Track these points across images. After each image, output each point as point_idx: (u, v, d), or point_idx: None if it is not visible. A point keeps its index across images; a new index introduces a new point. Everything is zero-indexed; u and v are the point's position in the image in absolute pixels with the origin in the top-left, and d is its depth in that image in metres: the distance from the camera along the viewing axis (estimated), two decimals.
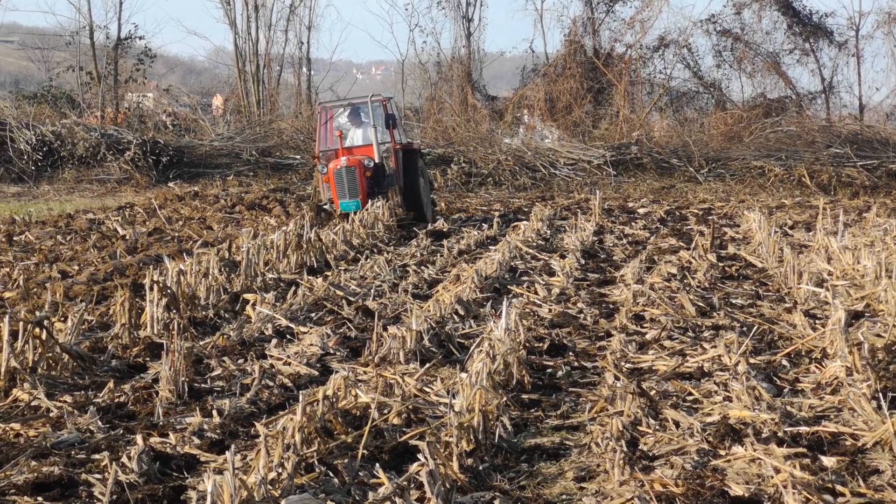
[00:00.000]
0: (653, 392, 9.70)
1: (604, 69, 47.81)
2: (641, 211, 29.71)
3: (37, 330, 10.90)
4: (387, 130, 25.89)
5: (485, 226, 25.02)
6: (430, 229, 24.32)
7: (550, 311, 14.39)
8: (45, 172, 41.06)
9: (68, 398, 10.11)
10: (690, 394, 9.94)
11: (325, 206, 25.38)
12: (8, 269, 17.90)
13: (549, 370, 11.36)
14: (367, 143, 26.01)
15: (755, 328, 12.62)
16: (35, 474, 7.82)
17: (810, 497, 7.03)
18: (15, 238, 22.91)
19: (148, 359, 11.87)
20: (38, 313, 12.13)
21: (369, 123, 25.91)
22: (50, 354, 11.04)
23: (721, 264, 18.17)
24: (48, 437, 8.83)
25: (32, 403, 9.93)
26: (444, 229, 24.61)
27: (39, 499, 7.44)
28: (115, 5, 57.01)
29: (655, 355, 11.61)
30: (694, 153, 40.49)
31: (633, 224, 26.22)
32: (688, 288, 15.49)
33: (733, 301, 15.10)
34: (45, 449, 8.51)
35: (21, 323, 10.92)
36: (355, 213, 23.53)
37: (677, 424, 8.81)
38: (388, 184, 25.43)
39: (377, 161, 25.33)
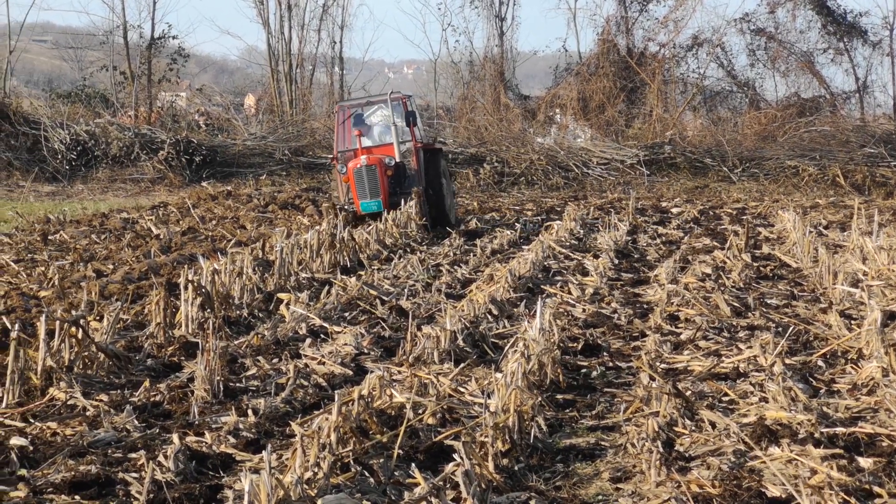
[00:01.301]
0: (688, 392, 9.67)
1: (637, 68, 47.67)
2: (675, 210, 29.63)
3: (73, 329, 10.94)
4: (407, 129, 25.24)
5: (507, 231, 24.76)
6: (463, 229, 24.30)
7: (584, 310, 14.36)
8: (79, 172, 41.19)
9: (104, 397, 10.15)
10: (726, 394, 9.91)
11: (344, 207, 24.49)
12: (43, 269, 17.97)
13: (583, 370, 11.35)
14: (378, 144, 25.60)
15: (791, 328, 12.56)
16: (72, 473, 7.85)
17: (847, 498, 7.00)
18: (50, 237, 23.00)
19: (183, 358, 11.90)
20: (73, 312, 12.17)
21: (385, 124, 25.55)
22: (86, 353, 11.08)
23: (756, 264, 18.10)
24: (85, 435, 8.86)
25: (69, 402, 9.96)
26: (476, 228, 24.63)
27: (77, 497, 7.47)
28: (148, 5, 57.00)
29: (691, 356, 11.57)
30: (728, 153, 40.32)
31: (666, 224, 26.15)
32: (722, 288, 15.44)
33: (768, 301, 15.04)
34: (81, 448, 8.54)
35: (57, 322, 10.96)
36: (377, 215, 23.45)
37: (713, 425, 8.77)
38: (409, 185, 24.80)
39: (398, 160, 24.85)
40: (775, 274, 17.60)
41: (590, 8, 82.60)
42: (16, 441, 8.68)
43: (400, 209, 23.31)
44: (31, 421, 9.47)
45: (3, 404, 9.94)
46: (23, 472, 8.01)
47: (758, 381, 10.15)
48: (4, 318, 12.48)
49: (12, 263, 18.80)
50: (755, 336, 12.13)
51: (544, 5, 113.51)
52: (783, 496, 7.25)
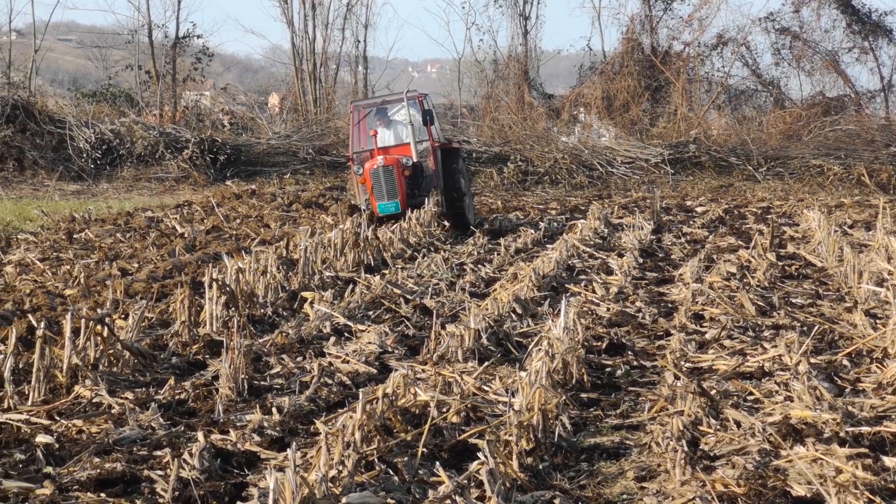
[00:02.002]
0: (713, 392, 9.65)
1: (661, 67, 47.60)
2: (700, 209, 29.58)
3: (98, 327, 10.98)
4: (424, 128, 24.59)
5: (531, 230, 24.69)
6: (487, 228, 24.29)
7: (609, 309, 14.35)
8: (104, 170, 41.32)
9: (130, 395, 10.17)
10: (751, 393, 9.88)
11: (361, 209, 23.92)
12: (69, 267, 18.04)
13: (608, 369, 11.35)
14: (399, 142, 24.95)
15: (816, 328, 12.53)
16: (98, 470, 7.88)
17: (872, 497, 6.98)
18: (75, 236, 23.08)
19: (207, 356, 11.92)
20: (99, 311, 12.22)
21: (402, 122, 24.93)
22: (111, 351, 11.12)
23: (780, 263, 18.06)
24: (110, 433, 8.89)
25: (94, 400, 10.00)
26: (500, 227, 24.63)
27: (102, 495, 7.49)
28: (173, 4, 57.19)
29: (715, 355, 11.55)
30: (752, 152, 40.24)
31: (691, 223, 26.11)
32: (747, 287, 15.40)
33: (793, 300, 15.00)
34: (107, 445, 8.57)
35: (83, 320, 10.99)
36: (395, 217, 23.11)
37: (738, 424, 8.75)
38: (427, 186, 24.30)
39: (416, 160, 24.22)
40: (800, 273, 17.55)
41: (614, 7, 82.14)
42: (42, 438, 8.72)
43: (423, 208, 23.12)
44: (57, 419, 9.51)
45: (30, 402, 9.98)
46: (49, 469, 8.05)
47: (783, 381, 10.13)
48: (30, 317, 12.53)
49: (38, 262, 18.88)
50: (780, 335, 12.10)
51: (569, 4, 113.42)
52: (808, 495, 7.23)
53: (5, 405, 9.82)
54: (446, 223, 23.65)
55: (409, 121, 24.49)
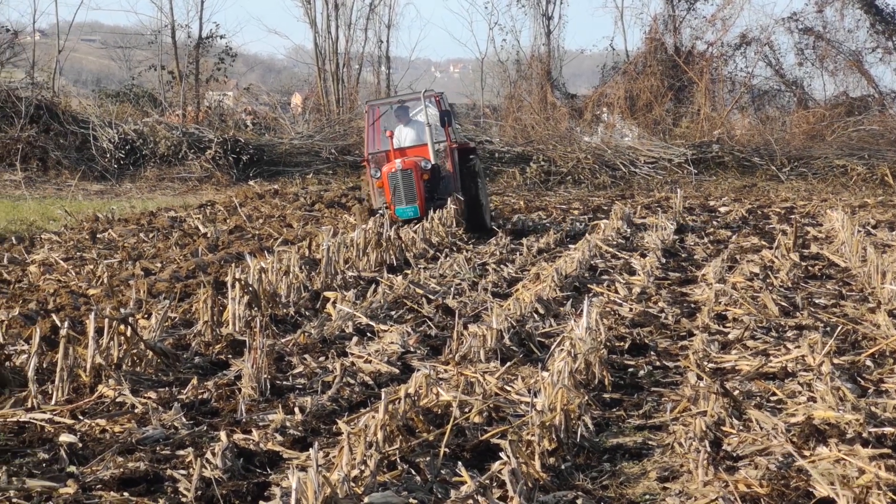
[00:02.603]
0: (736, 392, 9.64)
1: (685, 67, 47.50)
2: (723, 210, 29.51)
3: (121, 327, 11.01)
4: (441, 129, 23.99)
5: (553, 230, 24.64)
6: (509, 227, 24.25)
7: (631, 310, 14.34)
8: (127, 170, 41.39)
9: (153, 394, 10.20)
10: (774, 394, 9.87)
11: (379, 212, 23.03)
12: (92, 267, 18.10)
13: (630, 369, 11.33)
14: (418, 143, 24.28)
15: (839, 328, 12.49)
16: (121, 469, 7.90)
17: (895, 498, 6.97)
18: (98, 235, 23.15)
19: (230, 356, 11.94)
20: (122, 310, 12.24)
21: (422, 122, 24.22)
22: (134, 351, 11.15)
23: (804, 264, 18.01)
24: (133, 433, 8.92)
25: (118, 399, 10.03)
26: (522, 227, 24.60)
27: (125, 494, 7.50)
28: (196, 4, 57.34)
29: (738, 355, 11.53)
30: (776, 152, 40.14)
31: (714, 223, 26.05)
32: (770, 287, 15.37)
33: (816, 301, 14.96)
34: (130, 445, 8.59)
35: (106, 320, 11.02)
36: (413, 221, 22.42)
37: (761, 425, 8.73)
38: (444, 188, 23.63)
39: (434, 162, 23.55)
40: (823, 273, 17.51)
41: (637, 6, 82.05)
42: (65, 438, 8.75)
43: (445, 208, 22.82)
44: (81, 418, 9.54)
45: (53, 401, 10.01)
46: (72, 468, 8.07)
47: (806, 381, 10.11)
48: (54, 316, 12.58)
49: (61, 262, 18.94)
50: (803, 336, 12.07)
51: (591, 4, 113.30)
52: (831, 496, 7.21)
53: (29, 404, 9.85)
54: (461, 228, 23.01)
55: (427, 121, 23.90)
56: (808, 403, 9.37)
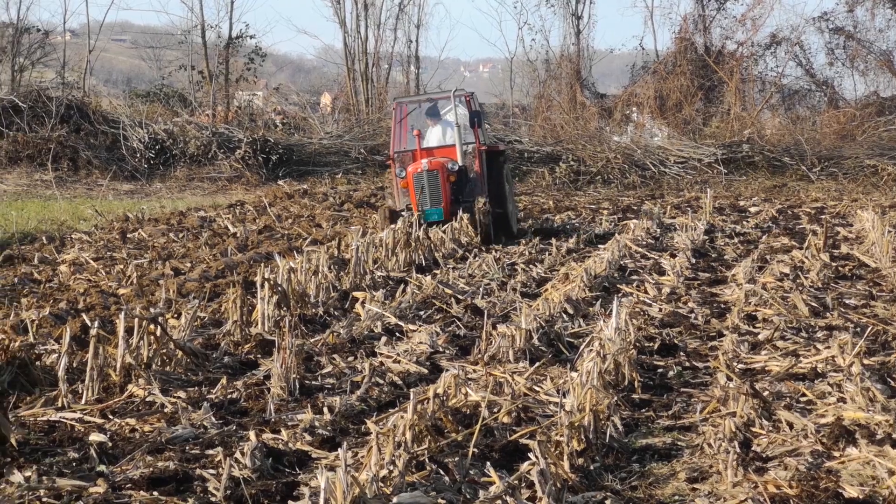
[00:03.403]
0: (766, 393, 9.60)
1: (715, 66, 47.38)
2: (753, 210, 29.40)
3: (151, 326, 11.04)
4: (470, 130, 23.10)
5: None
6: (538, 227, 24.21)
7: (661, 310, 14.31)
8: (157, 170, 41.50)
9: (182, 394, 10.23)
10: (804, 395, 9.83)
11: (402, 214, 22.03)
12: (122, 266, 18.16)
13: (659, 370, 11.31)
14: (446, 143, 23.38)
15: (869, 329, 12.44)
16: (150, 469, 7.92)
17: None
18: (129, 235, 23.23)
19: (259, 356, 11.96)
20: (152, 310, 12.29)
21: (448, 121, 23.48)
22: (164, 351, 11.18)
23: (834, 264, 17.93)
24: (163, 432, 8.94)
25: (147, 399, 10.06)
26: (552, 227, 24.55)
27: (155, 493, 7.52)
28: (226, 4, 57.72)
29: (768, 356, 11.49)
30: (806, 151, 40.00)
31: (744, 223, 25.95)
32: (801, 288, 15.32)
33: (847, 301, 14.90)
34: (159, 444, 8.61)
35: (136, 319, 11.06)
36: (437, 224, 21.62)
37: (791, 425, 8.71)
38: (471, 190, 22.73)
39: (461, 164, 22.69)
40: (854, 274, 17.43)
41: (666, 6, 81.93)
42: (95, 437, 8.78)
43: (474, 211, 22.10)
44: (111, 417, 9.58)
45: (83, 401, 10.06)
46: (102, 467, 8.09)
47: (836, 382, 10.07)
48: (84, 316, 12.61)
49: (92, 261, 19.01)
50: (833, 336, 12.01)
51: (621, 3, 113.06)
52: (861, 497, 7.19)
53: (59, 404, 9.90)
54: (479, 237, 21.91)
55: (456, 121, 23.02)
56: (837, 404, 9.33)
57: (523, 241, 21.80)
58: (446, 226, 21.32)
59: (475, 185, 22.92)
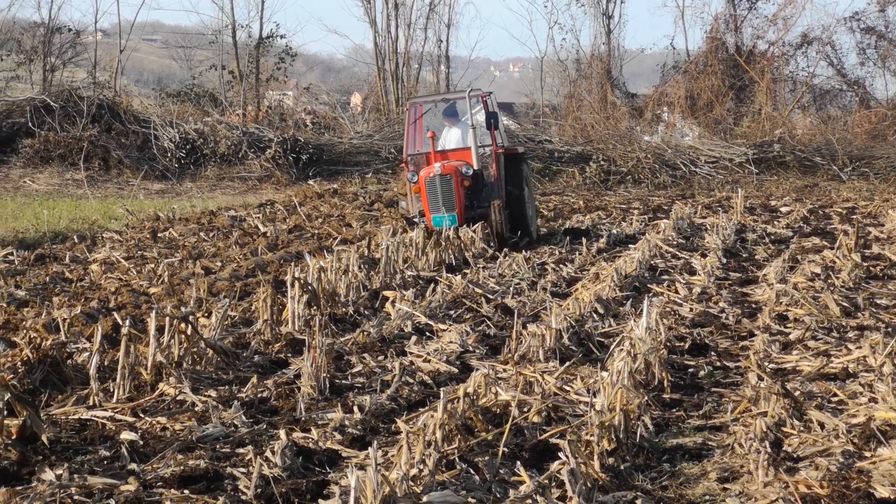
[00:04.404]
0: (797, 393, 9.57)
1: (746, 66, 47.29)
2: (784, 209, 29.30)
3: (182, 325, 11.07)
4: (487, 132, 21.97)
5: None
6: (568, 227, 24.16)
7: (691, 310, 14.28)
8: (188, 170, 41.61)
9: (213, 392, 10.26)
10: (835, 395, 9.80)
11: (414, 220, 21.37)
12: (153, 266, 18.22)
13: (690, 370, 11.28)
14: (463, 146, 22.03)
15: None
16: (181, 467, 7.94)
17: None
18: (159, 234, 23.30)
19: (289, 355, 11.98)
20: (182, 309, 12.31)
21: (467, 123, 22.22)
22: (195, 349, 11.20)
23: (865, 264, 17.83)
24: (194, 430, 8.97)
25: (178, 397, 10.08)
26: (583, 227, 24.49)
27: (186, 491, 7.53)
28: (257, 4, 57.68)
29: (799, 356, 11.45)
30: (837, 151, 39.87)
31: (775, 223, 25.87)
32: (832, 288, 15.26)
33: (878, 301, 14.83)
34: (190, 442, 8.64)
35: (167, 318, 11.09)
36: (450, 230, 20.11)
37: (822, 426, 8.67)
38: (487, 195, 21.49)
39: (476, 168, 21.42)
40: (885, 274, 17.34)
41: (697, 6, 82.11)
42: (126, 435, 8.81)
43: (489, 216, 21.10)
44: (142, 416, 9.61)
45: (115, 399, 10.10)
46: (133, 466, 8.12)
47: (867, 382, 10.03)
48: (116, 315, 12.66)
49: (123, 260, 19.08)
50: (864, 336, 11.97)
51: (652, 3, 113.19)
52: (892, 497, 7.16)
53: (91, 402, 9.95)
54: (494, 245, 20.68)
55: (472, 123, 21.98)
56: (869, 404, 9.28)
57: (554, 241, 21.74)
58: (476, 225, 20.99)
59: (492, 190, 21.79)
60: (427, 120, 22.96)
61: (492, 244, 20.52)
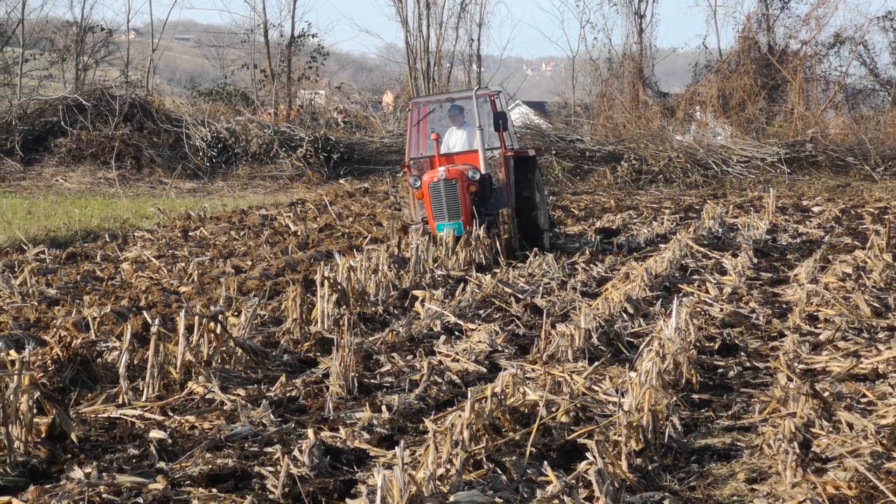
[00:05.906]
0: (826, 393, 9.52)
1: (778, 66, 47.16)
2: (816, 209, 29.20)
3: (212, 324, 11.09)
4: (495, 133, 20.46)
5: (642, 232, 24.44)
6: (598, 227, 24.11)
7: (722, 310, 14.23)
8: (219, 169, 41.74)
9: (241, 391, 10.28)
10: (864, 395, 9.75)
11: (415, 228, 19.74)
12: (183, 264, 18.28)
13: (719, 370, 11.25)
14: (469, 148, 20.68)
15: None
16: (210, 466, 7.96)
17: None
18: (190, 233, 23.37)
19: (318, 354, 12.00)
20: (212, 308, 12.34)
21: (474, 124, 20.51)
22: (224, 348, 11.22)
23: None
24: (222, 429, 8.99)
25: (207, 396, 10.11)
26: (613, 227, 24.45)
27: (214, 490, 7.56)
28: (289, 3, 58.01)
29: (829, 356, 11.41)
30: (870, 151, 39.74)
31: (807, 223, 25.77)
32: (863, 288, 15.17)
33: None
34: (219, 441, 8.66)
35: (196, 317, 11.12)
36: (456, 238, 19.04)
37: (851, 426, 8.63)
38: (495, 202, 20.20)
39: (484, 173, 19.99)
40: None
41: (730, 5, 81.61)
42: (155, 434, 8.84)
43: (496, 224, 19.90)
44: (171, 414, 9.63)
45: (144, 398, 10.12)
46: (162, 464, 8.15)
47: None
48: (145, 313, 12.70)
49: (154, 259, 19.15)
50: (895, 337, 11.92)
51: (684, 2, 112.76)
52: None
53: (120, 401, 9.98)
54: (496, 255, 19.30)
55: (478, 124, 20.31)
56: None
57: (584, 240, 21.70)
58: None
59: (500, 195, 20.41)
60: (434, 122, 21.59)
61: (498, 258, 19.13)
